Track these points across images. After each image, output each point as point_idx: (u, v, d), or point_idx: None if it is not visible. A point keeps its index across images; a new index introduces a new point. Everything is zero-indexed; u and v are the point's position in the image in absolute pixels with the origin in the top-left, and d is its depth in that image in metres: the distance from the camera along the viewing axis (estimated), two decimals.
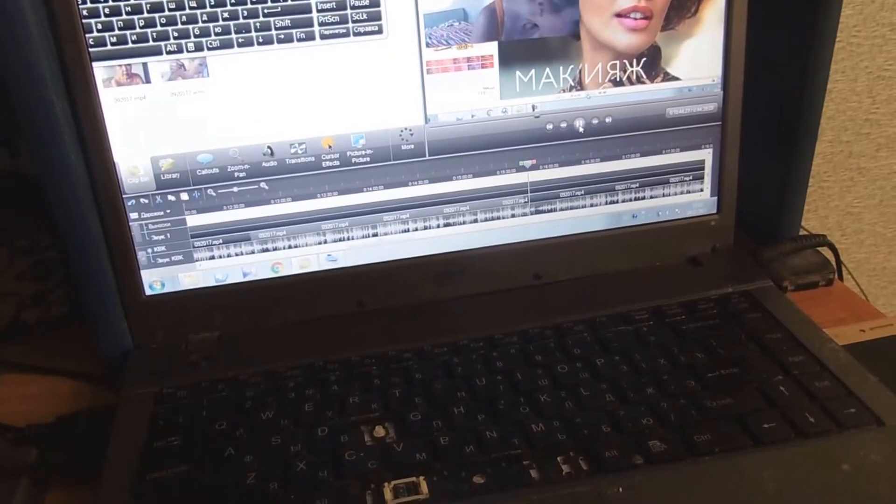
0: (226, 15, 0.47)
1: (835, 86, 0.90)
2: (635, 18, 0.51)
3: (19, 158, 0.73)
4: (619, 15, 0.51)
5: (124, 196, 0.49)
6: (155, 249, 0.51)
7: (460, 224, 0.54)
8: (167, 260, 0.51)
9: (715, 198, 0.57)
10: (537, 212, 0.54)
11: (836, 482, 0.38)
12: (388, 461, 0.41)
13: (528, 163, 0.53)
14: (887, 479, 0.38)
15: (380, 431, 0.43)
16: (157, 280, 0.51)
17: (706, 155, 0.56)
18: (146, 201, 0.50)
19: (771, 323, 0.49)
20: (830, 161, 0.96)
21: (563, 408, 0.44)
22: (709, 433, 0.41)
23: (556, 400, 0.44)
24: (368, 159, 0.51)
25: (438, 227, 0.53)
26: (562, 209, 0.55)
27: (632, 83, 0.53)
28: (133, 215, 0.50)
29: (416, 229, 0.53)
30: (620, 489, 0.39)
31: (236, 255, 0.52)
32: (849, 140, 0.95)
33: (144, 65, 0.47)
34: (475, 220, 0.54)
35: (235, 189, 0.50)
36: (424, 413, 0.44)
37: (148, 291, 0.51)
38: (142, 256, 0.51)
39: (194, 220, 0.51)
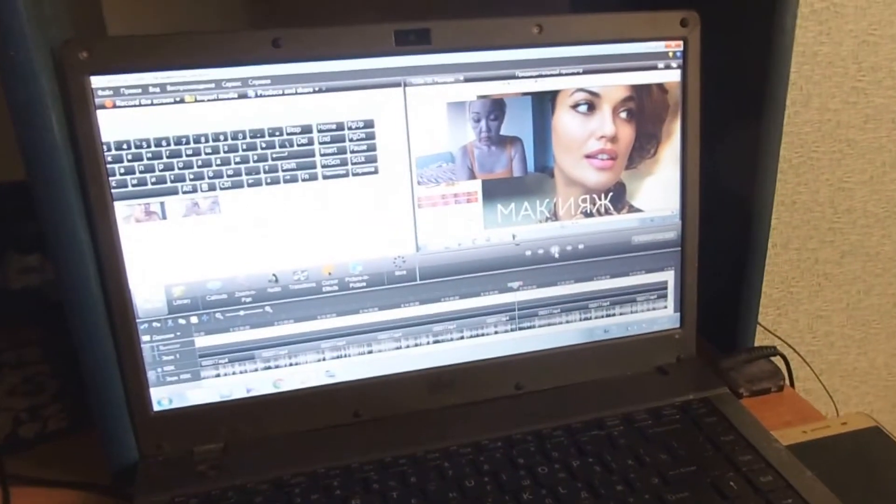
0: (237, 159, 0.59)
1: (798, 197, 1.07)
2: (602, 159, 0.66)
3: (5, 273, 0.85)
4: (588, 156, 0.65)
5: (137, 320, 0.60)
6: (164, 368, 0.62)
7: (448, 341, 0.67)
8: (175, 378, 0.63)
9: (678, 313, 0.71)
10: (518, 328, 0.68)
11: None
12: None
13: (513, 284, 0.67)
14: None
15: None
16: (164, 397, 0.63)
17: (668, 276, 0.70)
18: (158, 325, 0.61)
19: (725, 426, 0.63)
20: (798, 268, 1.12)
21: None
22: None
23: (537, 498, 0.57)
24: (364, 284, 0.64)
25: (428, 343, 0.66)
26: (540, 326, 0.68)
27: (601, 214, 0.67)
28: (145, 338, 0.61)
29: (408, 346, 0.66)
30: None
31: (241, 372, 0.64)
32: (814, 248, 1.11)
33: (162, 203, 0.59)
34: (462, 337, 0.67)
35: (242, 312, 0.62)
36: None
37: (156, 407, 0.62)
38: (151, 375, 0.62)
39: (202, 341, 0.62)
